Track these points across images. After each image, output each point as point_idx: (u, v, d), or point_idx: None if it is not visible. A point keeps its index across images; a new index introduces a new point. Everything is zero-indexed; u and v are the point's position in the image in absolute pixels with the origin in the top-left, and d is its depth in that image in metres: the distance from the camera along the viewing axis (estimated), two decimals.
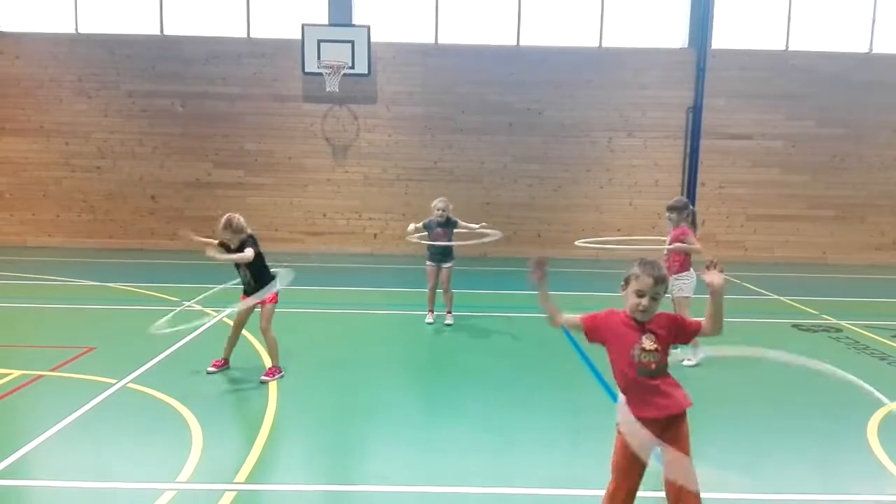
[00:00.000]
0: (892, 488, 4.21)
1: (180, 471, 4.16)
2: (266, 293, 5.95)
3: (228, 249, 6.00)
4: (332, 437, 4.93)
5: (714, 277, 3.00)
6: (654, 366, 3.09)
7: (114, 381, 5.81)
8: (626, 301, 3.15)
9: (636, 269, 3.11)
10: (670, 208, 6.74)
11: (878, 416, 5.34)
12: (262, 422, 5.04)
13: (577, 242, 7.30)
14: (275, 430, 4.92)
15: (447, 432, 4.98)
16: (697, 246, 6.58)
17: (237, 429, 5.03)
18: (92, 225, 14.86)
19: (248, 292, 6.08)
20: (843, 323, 8.66)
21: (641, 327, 3.11)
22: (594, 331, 3.22)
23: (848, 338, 7.97)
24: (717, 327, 3.08)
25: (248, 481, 4.09)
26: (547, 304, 3.26)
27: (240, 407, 5.54)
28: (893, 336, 8.02)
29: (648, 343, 3.08)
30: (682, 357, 6.55)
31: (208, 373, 6.09)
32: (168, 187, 14.79)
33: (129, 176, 14.75)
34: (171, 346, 6.88)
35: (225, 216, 6.02)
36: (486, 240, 8.04)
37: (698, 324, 3.15)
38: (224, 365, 6.22)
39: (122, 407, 5.32)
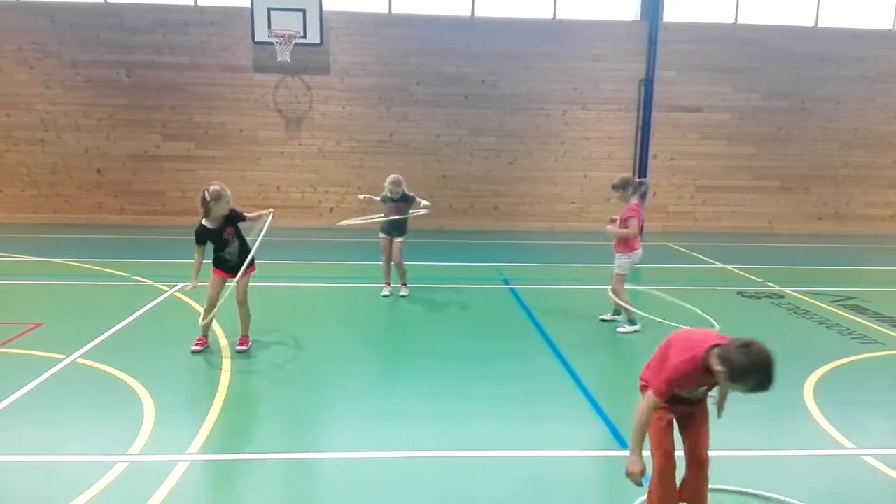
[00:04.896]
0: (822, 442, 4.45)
1: (132, 443, 4.14)
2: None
3: (214, 236, 5.89)
4: (287, 408, 4.95)
5: None
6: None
7: (63, 356, 5.72)
8: (715, 370, 2.87)
9: (749, 379, 2.80)
10: (614, 187, 6.92)
11: (815, 376, 5.61)
12: (216, 394, 5.03)
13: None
14: (228, 402, 4.92)
15: (402, 402, 5.05)
16: (623, 231, 6.78)
17: (190, 401, 5.01)
18: (36, 200, 14.39)
19: (231, 266, 5.97)
20: (785, 290, 8.98)
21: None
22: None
23: (790, 304, 8.28)
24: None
25: (201, 451, 4.10)
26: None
27: (192, 380, 5.51)
28: (833, 301, 8.35)
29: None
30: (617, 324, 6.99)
31: (193, 353, 5.92)
32: (115, 160, 14.38)
33: (74, 149, 14.29)
34: (120, 322, 6.78)
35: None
36: (414, 212, 8.10)
37: None
38: (206, 343, 6.09)
39: (72, 382, 5.25)
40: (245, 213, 5.99)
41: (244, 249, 5.99)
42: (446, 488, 3.76)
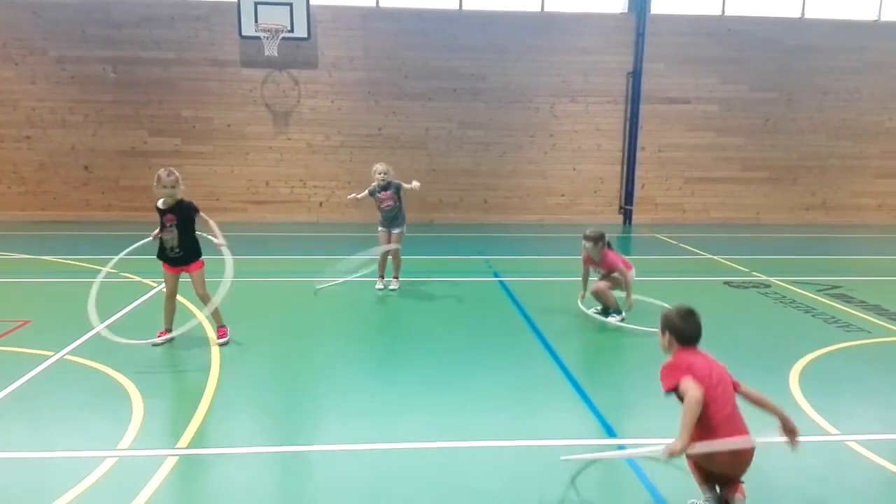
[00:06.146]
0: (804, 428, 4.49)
1: (121, 438, 4.14)
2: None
3: (159, 216, 5.99)
4: (277, 402, 4.95)
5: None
6: None
7: (51, 353, 5.70)
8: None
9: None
10: (588, 238, 6.89)
11: (801, 364, 5.67)
12: (205, 389, 5.02)
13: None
14: (218, 397, 4.91)
15: (392, 394, 5.06)
16: (626, 279, 6.82)
17: (179, 396, 5.01)
18: (23, 197, 14.30)
19: (172, 259, 6.01)
20: (772, 279, 9.04)
21: None
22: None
23: (776, 293, 8.34)
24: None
25: (190, 446, 4.10)
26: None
27: (181, 375, 5.51)
28: (819, 290, 8.42)
29: None
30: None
31: (154, 345, 5.98)
32: (101, 156, 14.30)
33: (61, 146, 14.20)
34: (108, 318, 6.75)
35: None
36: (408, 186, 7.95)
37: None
38: (168, 335, 6.11)
39: (60, 379, 5.23)
40: (199, 209, 6.03)
41: (186, 244, 5.98)
42: (438, 479, 3.78)
